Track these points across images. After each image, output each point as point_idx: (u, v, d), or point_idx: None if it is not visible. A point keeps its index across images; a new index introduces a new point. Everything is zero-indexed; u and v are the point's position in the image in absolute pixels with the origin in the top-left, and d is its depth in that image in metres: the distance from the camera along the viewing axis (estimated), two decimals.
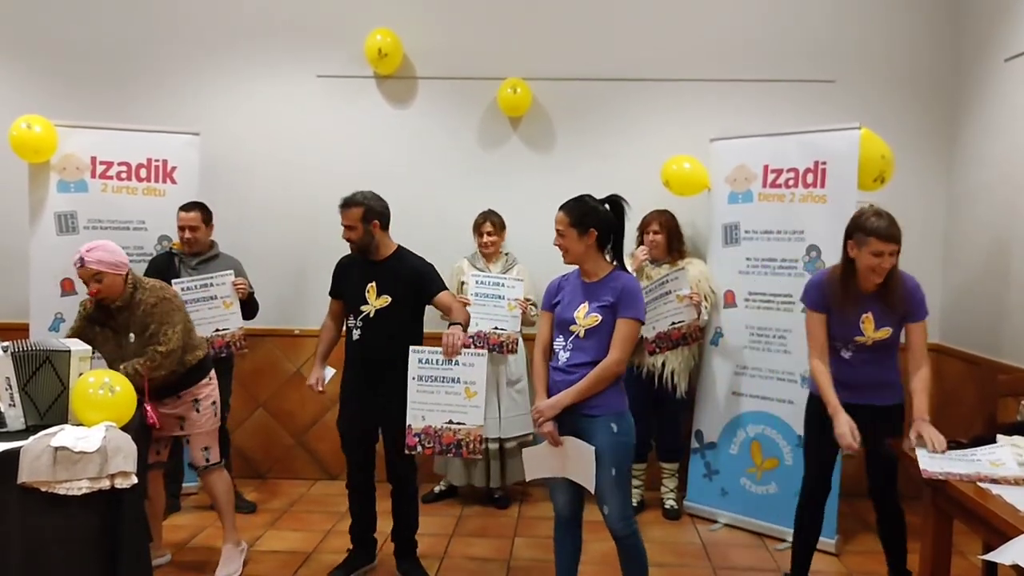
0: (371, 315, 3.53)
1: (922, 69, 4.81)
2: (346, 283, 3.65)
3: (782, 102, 4.81)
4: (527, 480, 3.18)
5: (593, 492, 2.95)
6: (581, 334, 2.98)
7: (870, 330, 3.13)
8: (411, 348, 3.32)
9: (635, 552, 3.04)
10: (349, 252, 3.67)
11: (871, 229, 2.98)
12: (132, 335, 3.41)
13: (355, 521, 3.74)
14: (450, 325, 3.41)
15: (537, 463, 3.11)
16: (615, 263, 3.08)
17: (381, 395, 3.51)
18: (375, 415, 3.58)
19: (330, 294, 3.75)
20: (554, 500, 3.17)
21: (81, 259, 3.30)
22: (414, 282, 3.55)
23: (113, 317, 3.43)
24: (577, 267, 3.09)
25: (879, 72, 4.81)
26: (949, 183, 4.81)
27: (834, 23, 4.83)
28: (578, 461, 2.96)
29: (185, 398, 3.59)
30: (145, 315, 3.37)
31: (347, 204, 3.55)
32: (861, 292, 3.10)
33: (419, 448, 3.30)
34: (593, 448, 2.91)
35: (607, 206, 3.05)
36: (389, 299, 3.52)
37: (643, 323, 3.03)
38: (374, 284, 3.54)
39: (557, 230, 3.03)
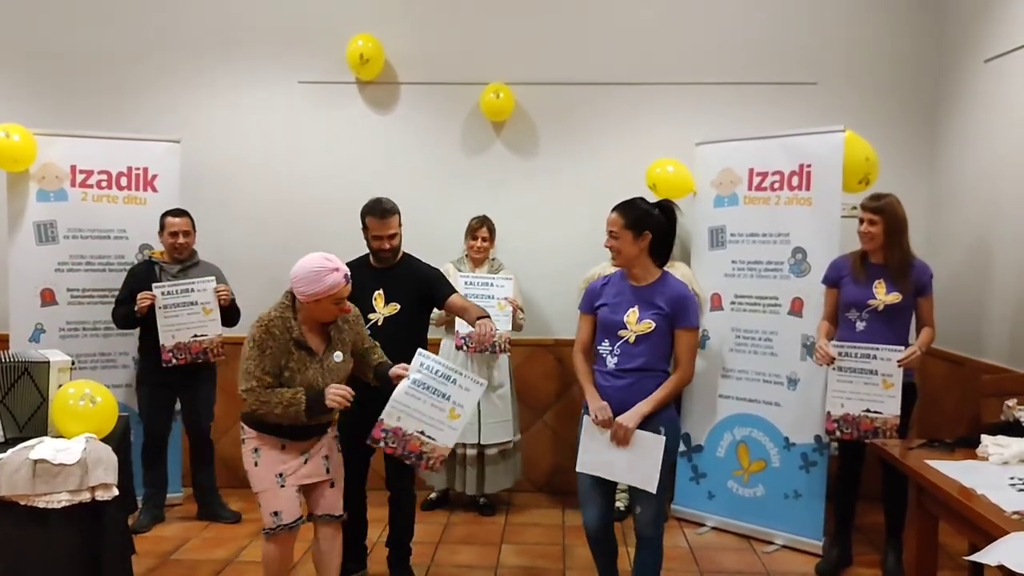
0: (379, 323, 3.45)
1: (903, 70, 4.84)
2: (352, 292, 3.56)
3: (764, 104, 4.82)
4: (577, 470, 3.03)
5: (653, 491, 2.89)
6: (632, 339, 2.92)
7: (882, 293, 3.68)
8: (419, 351, 3.17)
9: (655, 554, 3.04)
10: (354, 260, 3.56)
11: (862, 205, 3.72)
12: (339, 354, 3.05)
13: (346, 528, 3.65)
14: (478, 319, 3.28)
15: (592, 456, 2.98)
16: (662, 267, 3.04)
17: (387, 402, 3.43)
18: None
19: None
20: (585, 516, 3.07)
21: (347, 276, 2.93)
22: (424, 288, 3.49)
23: (313, 339, 3.02)
24: (619, 270, 3.05)
25: (861, 74, 4.83)
26: (930, 184, 4.83)
27: (815, 25, 4.85)
28: (643, 458, 2.87)
29: (330, 433, 3.21)
30: (349, 328, 3.12)
31: (391, 211, 3.42)
32: (874, 264, 3.72)
33: (381, 444, 3.14)
34: (663, 439, 2.85)
35: (657, 211, 3.00)
36: (398, 306, 3.46)
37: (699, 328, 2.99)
38: (382, 292, 3.47)
39: (610, 231, 2.97)
